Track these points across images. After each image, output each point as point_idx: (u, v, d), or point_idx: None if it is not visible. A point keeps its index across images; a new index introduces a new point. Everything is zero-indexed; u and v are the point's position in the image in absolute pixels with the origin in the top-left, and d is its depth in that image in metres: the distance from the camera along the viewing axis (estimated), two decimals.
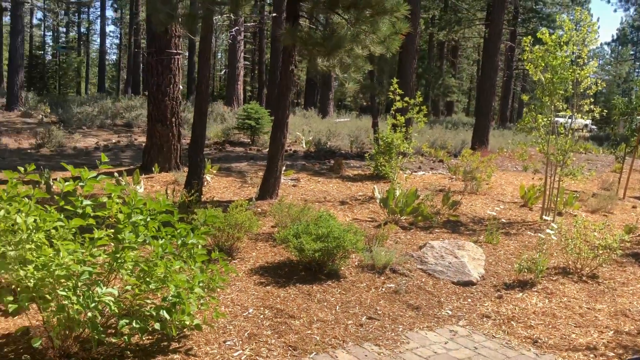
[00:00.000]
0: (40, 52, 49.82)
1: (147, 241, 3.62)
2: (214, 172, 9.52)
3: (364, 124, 20.42)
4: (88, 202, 3.75)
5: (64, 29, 54.95)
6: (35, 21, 53.19)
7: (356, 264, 5.82)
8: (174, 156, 9.50)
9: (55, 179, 8.24)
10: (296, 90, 54.99)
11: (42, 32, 54.42)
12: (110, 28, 67.13)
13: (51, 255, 3.29)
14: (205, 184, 9.02)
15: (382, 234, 6.50)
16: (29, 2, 26.20)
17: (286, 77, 8.12)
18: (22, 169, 3.75)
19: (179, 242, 3.76)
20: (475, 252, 6.30)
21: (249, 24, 32.85)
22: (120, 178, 8.25)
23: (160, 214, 3.79)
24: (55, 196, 4.26)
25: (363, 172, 11.55)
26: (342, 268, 5.60)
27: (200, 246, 3.92)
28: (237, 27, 26.83)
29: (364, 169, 11.87)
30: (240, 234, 5.94)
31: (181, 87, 9.46)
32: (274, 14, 21.95)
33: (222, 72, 41.23)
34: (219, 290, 4.26)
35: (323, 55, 7.76)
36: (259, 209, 7.68)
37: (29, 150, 12.06)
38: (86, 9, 52.08)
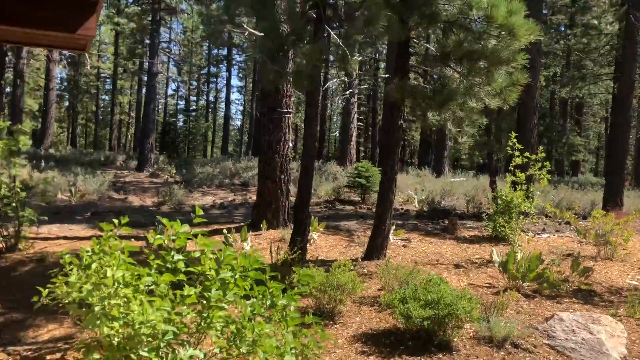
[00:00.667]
0: (173, 119, 54.27)
1: (236, 300, 3.38)
2: (321, 230, 9.32)
3: (481, 183, 19.48)
4: (179, 256, 3.62)
5: (195, 98, 59.68)
6: (169, 91, 58.42)
7: (471, 335, 5.18)
8: (282, 213, 9.47)
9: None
10: (410, 150, 54.62)
11: (176, 101, 59.41)
12: (235, 95, 71.99)
13: (136, 312, 3.14)
14: (311, 242, 8.82)
15: (502, 302, 5.80)
16: (162, 73, 28.68)
17: (395, 132, 7.83)
18: (116, 221, 3.70)
19: (268, 302, 3.48)
20: (614, 327, 5.39)
21: (362, 87, 33.43)
22: (228, 235, 8.30)
23: (252, 272, 3.55)
24: (145, 249, 4.20)
25: (480, 233, 10.77)
26: (455, 339, 4.99)
27: (292, 308, 3.62)
28: (350, 90, 27.36)
29: (481, 229, 11.08)
30: (343, 296, 5.57)
31: (291, 144, 9.52)
32: (387, 75, 22.12)
33: (336, 134, 42.10)
34: (314, 358, 3.89)
35: (433, 109, 7.40)
36: (365, 270, 7.28)
37: (150, 208, 12.71)
38: (215, 79, 56.33)
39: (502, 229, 9.61)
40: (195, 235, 3.71)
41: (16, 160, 7.42)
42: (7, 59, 25.86)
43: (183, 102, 61.44)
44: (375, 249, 7.89)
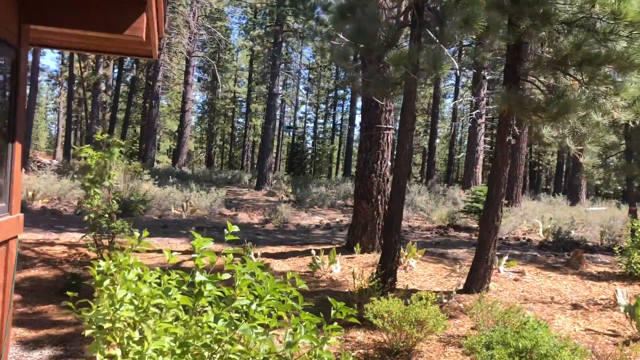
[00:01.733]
0: (300, 141, 55.71)
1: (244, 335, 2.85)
2: (419, 256, 8.52)
3: (622, 213, 17.21)
4: (202, 277, 3.19)
5: (322, 120, 60.88)
6: (299, 114, 60.17)
7: None
8: (377, 236, 8.82)
9: (256, 253, 8.24)
10: (545, 176, 50.77)
11: (304, 124, 61.00)
12: (359, 118, 72.26)
13: (136, 339, 2.76)
14: (408, 269, 8.07)
15: (624, 356, 4.68)
16: (281, 94, 29.33)
17: (502, 149, 6.90)
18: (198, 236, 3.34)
19: (286, 340, 2.91)
20: None
21: (492, 107, 31.69)
22: (316, 256, 7.84)
23: (272, 300, 3.02)
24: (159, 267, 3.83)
25: (611, 269, 9.26)
26: None
27: (326, 347, 3.01)
28: (477, 110, 25.98)
29: (612, 266, 9.55)
30: (421, 334, 4.82)
31: (390, 163, 8.88)
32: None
33: (460, 156, 40.51)
34: None
35: (546, 122, 6.40)
36: (461, 304, 6.41)
37: (255, 225, 12.68)
38: (341, 101, 57.08)
39: (637, 266, 8.14)
40: (239, 256, 3.25)
41: (112, 173, 7.60)
42: (140, 81, 28.00)
43: (312, 124, 62.99)
44: (476, 280, 6.96)
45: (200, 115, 63.18)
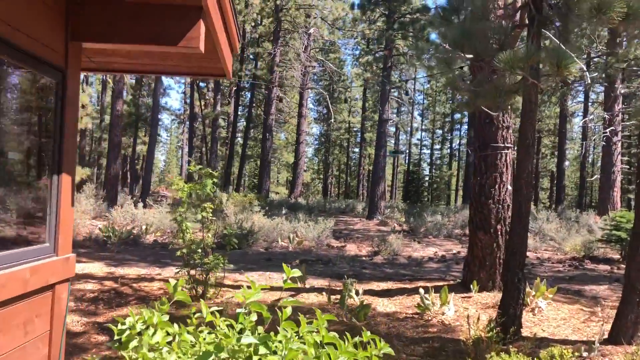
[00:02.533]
0: (416, 168, 54.36)
1: None
2: (550, 296, 7.22)
3: None
4: (251, 339, 2.49)
5: (439, 146, 59.08)
6: (414, 140, 58.90)
7: None
8: (498, 272, 7.65)
9: (358, 290, 7.44)
10: None
11: (419, 150, 59.57)
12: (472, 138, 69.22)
13: None
14: (536, 311, 6.83)
15: None
16: (392, 120, 28.55)
17: None
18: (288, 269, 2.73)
19: None
20: None
21: (629, 123, 28.56)
22: (425, 295, 6.88)
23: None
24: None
25: None
26: None
27: None
28: (612, 128, 23.51)
29: None
30: None
31: (509, 187, 7.72)
32: None
33: (594, 178, 36.66)
34: None
35: None
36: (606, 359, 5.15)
37: (363, 257, 11.91)
38: (458, 125, 55.00)
39: None
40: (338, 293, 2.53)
41: (206, 205, 7.28)
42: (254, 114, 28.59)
43: (428, 150, 61.31)
44: (625, 328, 5.62)
45: (317, 146, 64.20)
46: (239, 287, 8.32)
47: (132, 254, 11.09)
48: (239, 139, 39.98)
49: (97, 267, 9.22)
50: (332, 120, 37.77)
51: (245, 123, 36.33)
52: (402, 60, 22.19)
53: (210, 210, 7.43)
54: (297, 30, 27.72)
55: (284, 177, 55.85)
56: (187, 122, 38.29)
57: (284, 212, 19.07)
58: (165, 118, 48.72)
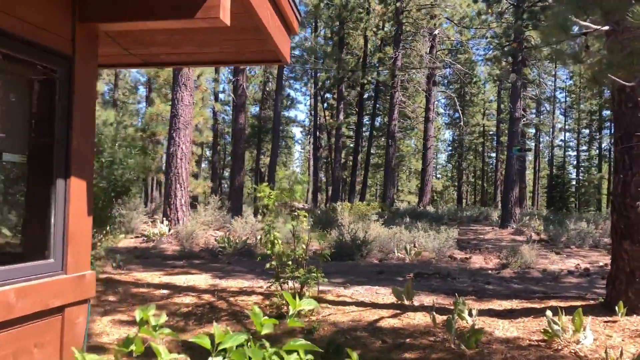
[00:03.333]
0: (560, 172, 50.00)
1: None
2: None
3: None
4: None
5: (585, 147, 53.86)
6: (557, 142, 54.34)
7: None
8: None
9: (472, 309, 6.37)
10: None
11: (563, 152, 54.80)
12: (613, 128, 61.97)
13: None
14: None
15: None
16: (526, 119, 26.23)
17: None
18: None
19: None
20: None
21: None
22: (553, 318, 5.65)
23: None
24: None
25: None
26: None
27: None
28: None
29: None
30: None
31: None
32: None
33: None
34: None
35: None
36: None
37: (489, 271, 10.63)
38: (607, 123, 49.66)
39: None
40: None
41: (299, 213, 6.70)
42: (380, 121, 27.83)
43: (574, 152, 56.19)
44: None
45: (450, 152, 61.91)
46: (341, 303, 7.62)
47: (242, 265, 10.89)
48: (365, 148, 39.57)
49: (202, 279, 9.06)
50: (462, 124, 35.88)
51: (369, 131, 35.76)
52: (534, 53, 20.22)
53: (305, 219, 6.85)
54: (419, 32, 26.64)
55: (414, 185, 54.38)
56: (312, 133, 38.71)
57: (406, 220, 18.09)
58: (294, 130, 49.84)
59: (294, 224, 6.54)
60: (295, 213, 6.68)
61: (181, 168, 13.50)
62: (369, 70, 29.14)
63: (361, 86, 28.11)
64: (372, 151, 42.77)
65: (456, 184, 59.80)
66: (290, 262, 6.47)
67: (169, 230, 13.43)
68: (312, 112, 34.79)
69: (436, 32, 29.12)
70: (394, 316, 6.74)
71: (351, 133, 38.03)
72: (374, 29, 26.26)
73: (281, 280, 6.60)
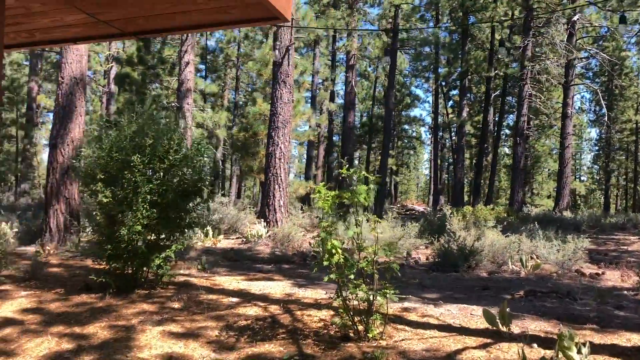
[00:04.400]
0: None
1: None
2: None
3: None
4: None
5: None
6: None
7: None
8: None
9: (585, 343, 4.90)
10: None
11: None
12: None
13: None
14: None
15: None
16: None
17: None
18: None
19: None
20: None
21: None
22: None
23: None
24: None
25: None
26: None
27: None
28: None
29: None
30: None
31: None
32: None
33: None
34: None
35: None
36: None
37: (624, 291, 8.73)
38: None
39: None
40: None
41: (373, 217, 5.69)
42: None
43: None
44: None
45: (597, 152, 56.30)
46: (423, 325, 6.45)
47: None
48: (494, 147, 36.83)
49: (280, 287, 8.36)
50: (608, 120, 31.98)
51: (496, 129, 33.16)
52: None
53: (377, 224, 5.82)
54: (552, 18, 23.98)
55: (552, 188, 49.99)
56: (432, 132, 36.82)
57: (532, 227, 16.03)
58: (416, 130, 48.00)
59: (356, 230, 5.53)
60: (359, 216, 5.68)
61: (279, 168, 13.01)
62: (497, 62, 26.93)
63: (487, 80, 25.99)
64: (505, 152, 39.96)
65: (603, 187, 54.14)
66: (352, 276, 5.48)
67: (267, 232, 12.99)
68: (433, 110, 33.07)
69: (575, 17, 26.12)
70: (481, 347, 5.46)
71: (475, 132, 35.63)
72: (502, 17, 24.09)
73: (345, 296, 5.62)
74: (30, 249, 11.13)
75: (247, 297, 7.57)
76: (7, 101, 27.98)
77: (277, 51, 13.27)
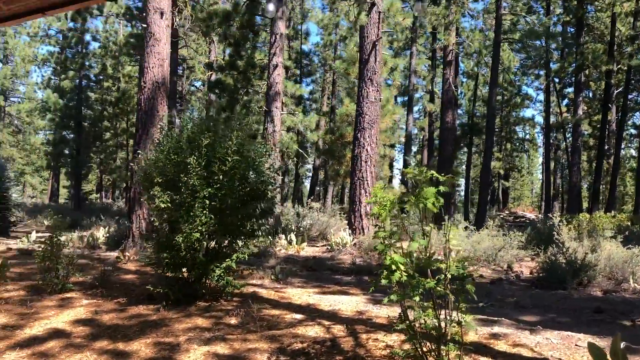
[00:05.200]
0: None
1: None
2: None
3: None
4: None
5: None
6: None
7: None
8: None
9: None
10: None
11: None
12: None
13: None
14: None
15: None
16: None
17: None
18: None
19: None
20: None
21: None
22: None
23: None
24: None
25: None
26: None
27: None
28: None
29: None
30: None
31: None
32: None
33: None
34: None
35: None
36: None
37: None
38: None
39: None
40: None
41: (454, 229, 4.70)
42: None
43: None
44: None
45: None
46: (512, 356, 5.30)
47: None
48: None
49: (353, 303, 7.50)
50: None
51: (617, 129, 29.84)
52: None
53: (456, 236, 4.80)
54: None
55: None
56: (544, 133, 33.90)
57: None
58: (529, 131, 44.62)
59: (422, 242, 4.55)
60: (427, 225, 4.69)
61: (366, 172, 12.14)
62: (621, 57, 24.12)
63: (607, 74, 23.32)
64: (630, 153, 36.10)
65: None
66: (418, 297, 4.51)
67: (352, 240, 12.16)
68: (544, 109, 30.32)
69: None
70: None
71: (593, 132, 32.29)
72: (623, 2, 21.49)
73: (411, 320, 4.67)
74: (114, 254, 11.17)
75: (312, 314, 6.79)
76: (119, 111, 29.63)
77: (363, 47, 12.47)
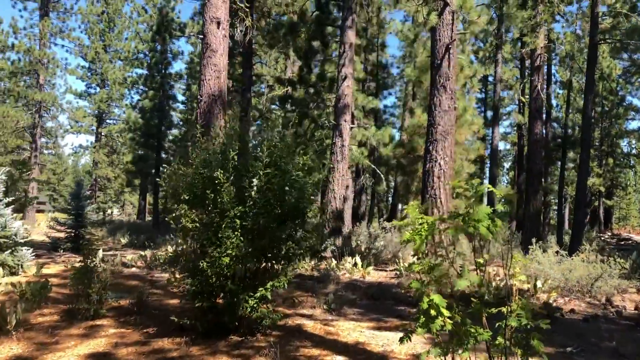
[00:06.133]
0: None
1: None
2: None
3: None
4: None
5: None
6: None
7: None
8: None
9: None
10: None
11: None
12: None
13: None
14: None
15: None
16: None
17: None
18: None
19: None
20: None
21: None
22: None
23: None
24: None
25: None
26: None
27: None
28: None
29: None
30: None
31: None
32: None
33: None
34: None
35: None
36: None
37: None
38: None
39: None
40: None
41: (517, 257, 3.54)
42: None
43: None
44: None
45: None
46: None
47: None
48: None
49: (409, 344, 6.31)
50: None
51: None
52: None
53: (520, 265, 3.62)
54: None
55: None
56: None
57: None
58: (637, 145, 40.47)
59: (473, 279, 3.40)
60: (482, 255, 3.53)
61: (439, 189, 10.88)
62: None
63: None
64: None
65: None
66: (466, 354, 3.36)
67: None
68: None
69: None
70: None
71: None
72: None
73: None
74: (167, 275, 10.63)
75: (358, 356, 5.72)
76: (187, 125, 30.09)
77: (435, 51, 11.30)
